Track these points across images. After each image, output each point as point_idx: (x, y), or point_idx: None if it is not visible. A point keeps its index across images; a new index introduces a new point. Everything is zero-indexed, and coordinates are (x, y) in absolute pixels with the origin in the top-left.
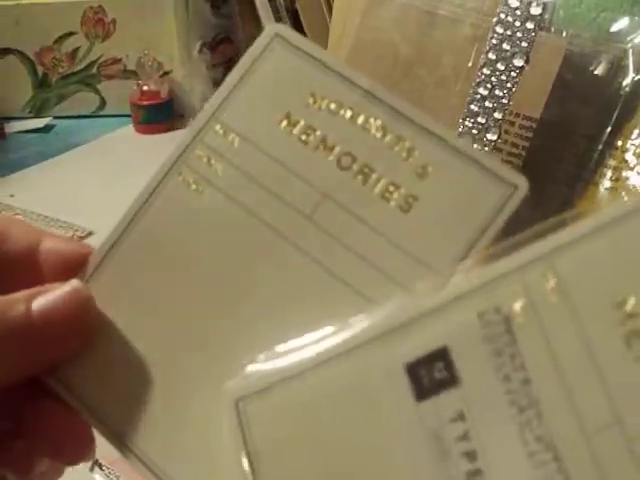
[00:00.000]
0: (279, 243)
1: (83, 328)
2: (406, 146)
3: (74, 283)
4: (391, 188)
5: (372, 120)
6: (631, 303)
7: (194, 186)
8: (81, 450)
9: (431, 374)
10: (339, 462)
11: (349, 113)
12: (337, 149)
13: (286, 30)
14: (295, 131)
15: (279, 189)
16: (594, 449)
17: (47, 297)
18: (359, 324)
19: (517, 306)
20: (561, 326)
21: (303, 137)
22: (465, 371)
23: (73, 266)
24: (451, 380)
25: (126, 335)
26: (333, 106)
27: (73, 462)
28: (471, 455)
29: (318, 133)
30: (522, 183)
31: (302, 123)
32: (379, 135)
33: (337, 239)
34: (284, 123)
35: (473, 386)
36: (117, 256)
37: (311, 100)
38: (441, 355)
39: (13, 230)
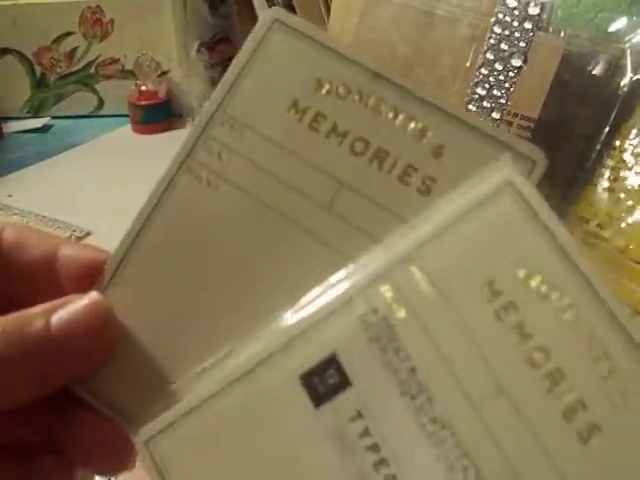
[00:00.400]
0: (299, 235)
1: (104, 341)
2: (419, 126)
3: (93, 296)
4: (409, 171)
5: (382, 102)
6: (496, 282)
7: (206, 182)
8: (121, 459)
9: (324, 381)
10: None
11: (357, 97)
12: (349, 135)
13: (285, 14)
14: (305, 119)
15: (294, 180)
16: (483, 419)
17: (66, 311)
18: (251, 345)
19: (394, 304)
20: (436, 314)
21: (314, 125)
22: (355, 372)
23: (91, 273)
24: (344, 383)
25: (149, 337)
26: (341, 90)
27: (114, 471)
28: (374, 447)
29: (328, 120)
30: (541, 158)
31: (311, 110)
32: (390, 117)
33: (357, 227)
34: (292, 111)
35: (365, 385)
36: (133, 260)
37: (318, 86)
38: (331, 362)
39: (30, 239)
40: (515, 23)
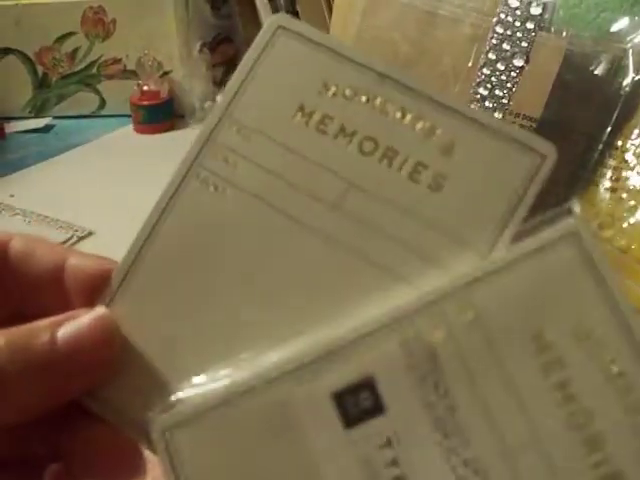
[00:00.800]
0: (309, 237)
1: (109, 355)
2: (427, 125)
3: (99, 310)
4: (419, 168)
5: (389, 102)
6: (546, 335)
7: (214, 187)
8: (129, 470)
9: (357, 402)
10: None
11: (365, 97)
12: (357, 135)
13: (289, 20)
14: (312, 122)
15: (303, 182)
16: (516, 470)
17: (72, 325)
18: (285, 352)
19: (438, 336)
20: (480, 356)
21: (321, 127)
22: (390, 399)
23: (98, 283)
24: (377, 408)
25: (158, 347)
26: (348, 92)
27: None
28: (401, 479)
29: (336, 121)
30: (550, 151)
31: (318, 113)
32: (399, 116)
33: (369, 226)
34: (299, 115)
35: (399, 413)
36: (140, 270)
37: (324, 88)
38: (366, 384)
39: (38, 248)
40: (517, 23)
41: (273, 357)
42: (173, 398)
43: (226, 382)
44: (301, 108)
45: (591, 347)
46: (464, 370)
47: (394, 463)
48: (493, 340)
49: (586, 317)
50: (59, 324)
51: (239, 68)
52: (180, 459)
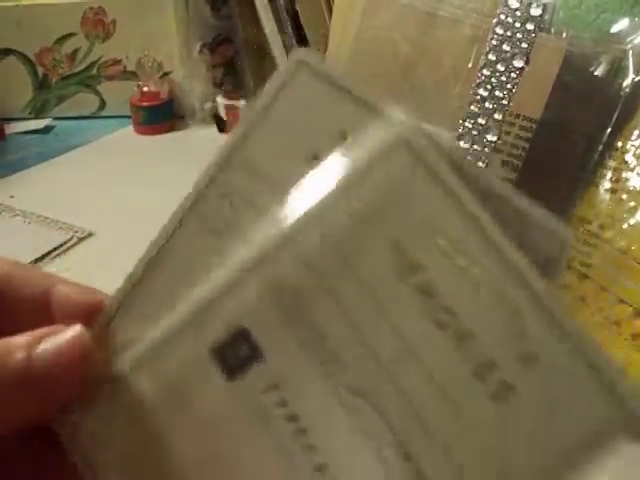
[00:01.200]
0: None
1: (85, 374)
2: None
3: (77, 328)
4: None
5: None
6: (401, 244)
7: (211, 229)
8: None
9: (236, 354)
10: (171, 452)
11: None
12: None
13: (313, 56)
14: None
15: None
16: (395, 382)
17: (50, 343)
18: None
19: (298, 270)
20: (339, 278)
21: None
22: (266, 344)
23: (86, 314)
24: (255, 355)
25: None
26: (368, 144)
27: None
28: (292, 417)
29: None
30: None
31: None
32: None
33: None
34: (312, 162)
35: (278, 355)
36: (131, 307)
37: (341, 137)
38: (241, 334)
39: (22, 275)
40: (517, 24)
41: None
42: None
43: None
44: (315, 156)
45: (445, 247)
46: (328, 296)
47: (283, 403)
48: (351, 260)
49: (435, 219)
50: (37, 341)
51: (256, 102)
52: (93, 448)
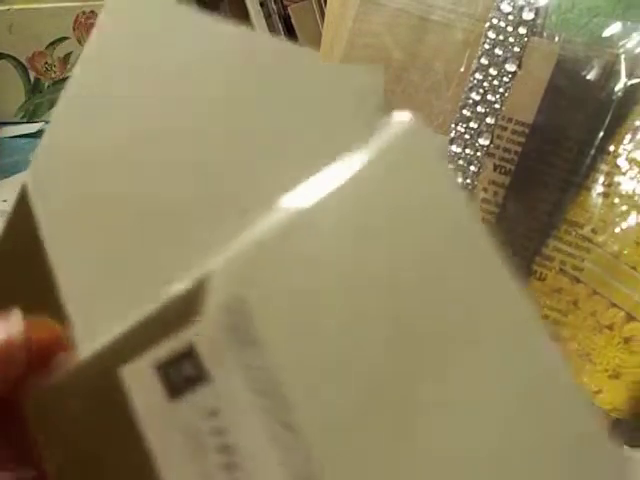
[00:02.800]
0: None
1: (21, 357)
2: None
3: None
4: None
5: None
6: None
7: None
8: None
9: (180, 372)
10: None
11: None
12: None
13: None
14: None
15: None
16: (331, 417)
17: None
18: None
19: (253, 290)
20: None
21: None
22: (213, 366)
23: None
24: (200, 377)
25: None
26: None
27: None
28: (225, 449)
29: None
30: None
31: None
32: None
33: None
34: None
35: (221, 380)
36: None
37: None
38: (188, 353)
39: None
40: (509, 28)
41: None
42: None
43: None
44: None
45: None
46: (279, 321)
47: (219, 432)
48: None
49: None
50: None
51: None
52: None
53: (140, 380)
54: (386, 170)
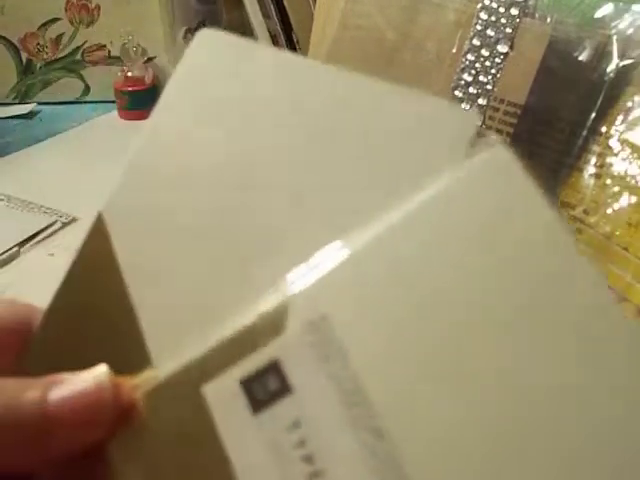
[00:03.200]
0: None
1: (106, 420)
2: None
3: (98, 374)
4: None
5: None
6: None
7: None
8: None
9: (264, 386)
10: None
11: None
12: None
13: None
14: None
15: None
16: (421, 430)
17: (66, 388)
18: (195, 346)
19: (338, 310)
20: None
21: None
22: (297, 379)
23: (20, 333)
24: (284, 389)
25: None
26: None
27: None
28: (309, 459)
29: None
30: None
31: None
32: None
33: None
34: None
35: (305, 392)
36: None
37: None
38: (272, 367)
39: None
40: (501, 9)
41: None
42: None
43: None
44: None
45: None
46: (362, 332)
47: (303, 443)
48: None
49: None
50: (51, 384)
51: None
52: None
53: (224, 397)
54: (477, 190)
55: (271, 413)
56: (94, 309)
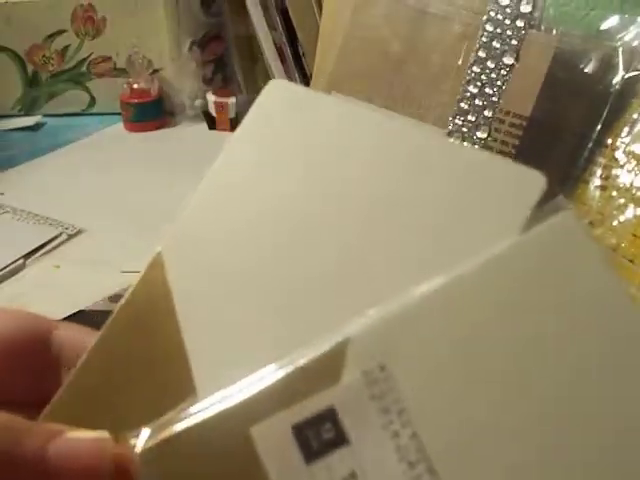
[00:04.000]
0: None
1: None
2: None
3: (99, 436)
4: None
5: None
6: None
7: None
8: None
9: (319, 435)
10: None
11: None
12: None
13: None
14: None
15: None
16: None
17: (67, 442)
18: (245, 390)
19: (398, 363)
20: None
21: None
22: (353, 430)
23: None
24: (340, 440)
25: None
26: None
27: None
28: None
29: None
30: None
31: None
32: None
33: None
34: None
35: (363, 445)
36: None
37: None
38: (328, 415)
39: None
40: (507, 21)
41: (240, 388)
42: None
43: (197, 414)
44: None
45: None
46: (427, 393)
47: None
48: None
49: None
50: (54, 435)
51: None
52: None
53: (274, 441)
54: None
55: (326, 464)
56: (143, 351)
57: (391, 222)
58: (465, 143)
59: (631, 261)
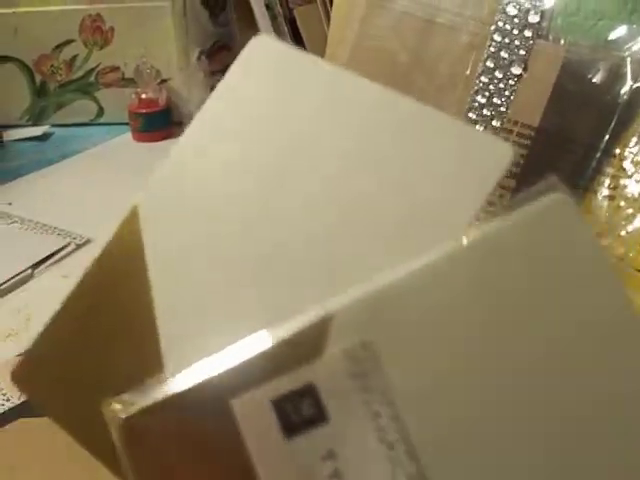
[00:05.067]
0: None
1: None
2: None
3: None
4: None
5: None
6: None
7: None
8: None
9: (299, 411)
10: None
11: None
12: None
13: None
14: None
15: None
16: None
17: None
18: (227, 359)
19: (383, 340)
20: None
21: None
22: (334, 408)
23: None
24: (320, 417)
25: None
26: None
27: None
28: None
29: None
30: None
31: None
32: None
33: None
34: None
35: (342, 423)
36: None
37: None
38: (308, 392)
39: None
40: (515, 31)
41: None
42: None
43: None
44: None
45: None
46: (412, 373)
47: (336, 475)
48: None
49: None
50: None
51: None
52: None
53: (254, 413)
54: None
55: (305, 440)
56: (112, 305)
57: (362, 185)
58: None
59: (639, 271)
